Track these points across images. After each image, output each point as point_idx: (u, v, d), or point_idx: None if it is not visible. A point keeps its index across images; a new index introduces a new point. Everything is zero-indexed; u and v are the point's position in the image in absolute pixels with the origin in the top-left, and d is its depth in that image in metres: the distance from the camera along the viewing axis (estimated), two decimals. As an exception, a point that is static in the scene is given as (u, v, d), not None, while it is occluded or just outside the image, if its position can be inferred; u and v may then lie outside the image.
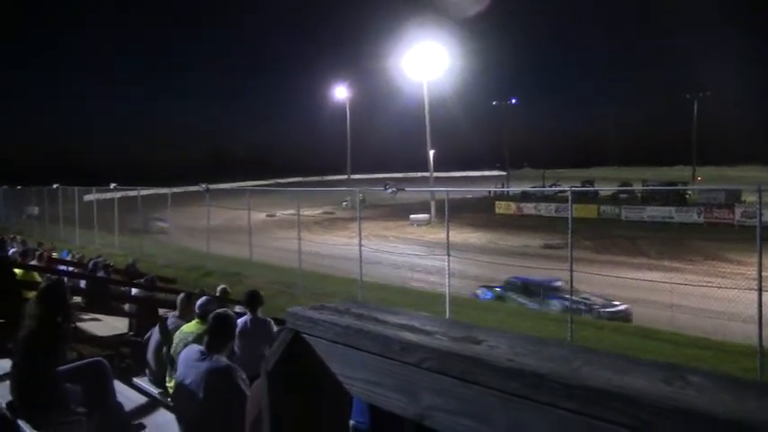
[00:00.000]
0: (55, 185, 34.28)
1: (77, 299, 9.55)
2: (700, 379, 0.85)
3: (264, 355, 5.32)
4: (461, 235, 32.23)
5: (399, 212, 45.36)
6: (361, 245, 16.37)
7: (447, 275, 13.99)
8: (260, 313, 7.00)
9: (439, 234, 30.70)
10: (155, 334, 6.45)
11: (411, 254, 25.02)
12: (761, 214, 10.31)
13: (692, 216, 39.02)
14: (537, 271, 16.64)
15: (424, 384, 1.06)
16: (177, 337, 5.74)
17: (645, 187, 49.56)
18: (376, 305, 1.37)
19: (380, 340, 1.12)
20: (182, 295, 7.06)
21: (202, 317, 5.81)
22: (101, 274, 11.90)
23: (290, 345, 1.30)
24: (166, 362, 5.93)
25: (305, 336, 1.28)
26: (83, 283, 10.99)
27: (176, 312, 6.75)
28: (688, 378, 0.85)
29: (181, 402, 4.34)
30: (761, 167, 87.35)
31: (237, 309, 8.52)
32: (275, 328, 6.68)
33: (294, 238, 19.71)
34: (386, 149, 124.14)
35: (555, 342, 1.10)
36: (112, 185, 29.82)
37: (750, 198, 37.29)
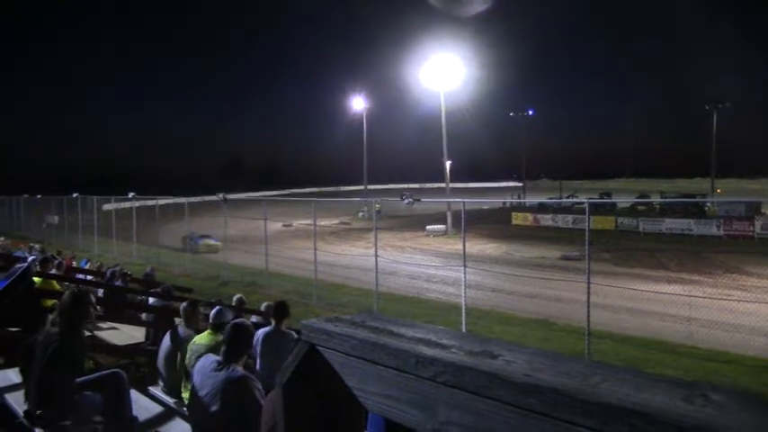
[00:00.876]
0: (74, 195, 34.67)
1: (97, 308, 9.61)
2: (720, 397, 0.84)
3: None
4: (478, 246, 32.13)
5: (416, 223, 45.33)
6: (377, 255, 16.35)
7: (463, 286, 13.93)
8: (284, 325, 6.94)
9: (455, 245, 30.59)
10: (165, 343, 6.45)
11: (427, 264, 24.94)
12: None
13: (712, 228, 38.61)
14: (556, 283, 16.53)
15: (439, 399, 1.05)
16: (190, 348, 5.73)
17: (664, 199, 49.14)
18: (391, 317, 1.36)
19: (397, 354, 1.11)
20: (184, 304, 6.97)
21: (215, 327, 5.79)
22: (118, 282, 11.97)
23: (305, 357, 1.30)
24: (180, 372, 5.94)
25: (320, 348, 1.28)
26: (100, 292, 11.07)
27: (182, 321, 6.72)
28: (709, 396, 0.84)
29: (196, 412, 4.34)
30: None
31: (254, 319, 8.55)
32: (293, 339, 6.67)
33: (310, 249, 19.74)
34: (402, 160, 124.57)
35: (572, 357, 1.09)
36: (131, 195, 30.06)
37: (770, 210, 36.90)
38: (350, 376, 1.22)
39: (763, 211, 38.55)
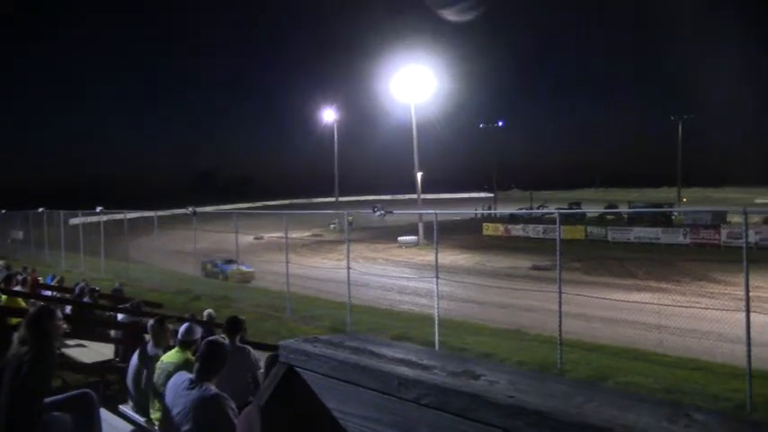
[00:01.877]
0: (40, 209, 34.01)
1: (64, 324, 9.40)
2: (704, 417, 0.84)
3: (246, 384, 5.24)
4: (450, 257, 32.22)
5: (387, 235, 45.35)
6: (349, 267, 16.29)
7: (436, 298, 13.93)
8: (238, 341, 6.81)
9: (427, 256, 30.66)
10: (133, 361, 6.31)
11: (400, 276, 24.94)
12: (747, 236, 10.38)
13: (679, 237, 39.29)
14: (528, 293, 16.64)
15: (422, 421, 1.04)
16: (158, 367, 5.60)
17: (631, 209, 49.91)
18: (370, 336, 1.35)
19: (378, 376, 1.10)
20: (152, 321, 6.79)
21: (184, 345, 5.68)
22: (86, 299, 11.75)
23: (283, 379, 1.27)
24: (148, 390, 5.81)
25: (299, 370, 1.26)
26: (68, 309, 10.85)
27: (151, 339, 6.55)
28: (692, 416, 0.84)
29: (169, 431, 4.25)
30: (743, 189, 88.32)
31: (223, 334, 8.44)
32: (254, 355, 6.57)
33: (282, 261, 19.59)
34: (374, 172, 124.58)
35: (554, 377, 1.09)
36: (98, 209, 29.56)
37: (735, 219, 37.64)
38: (329, 398, 1.20)
39: (728, 219, 39.32)
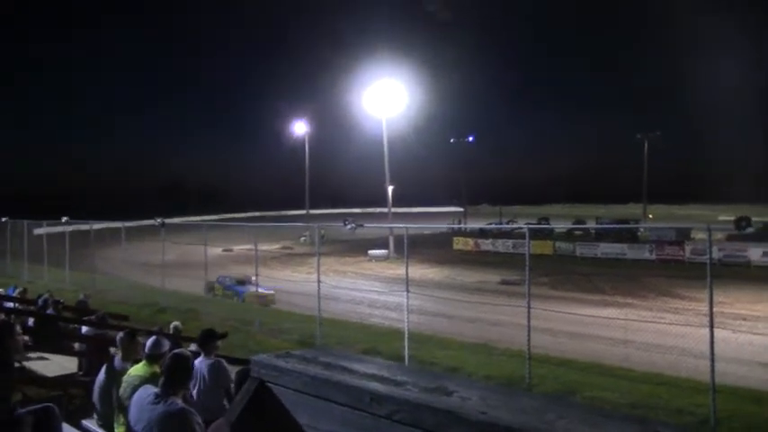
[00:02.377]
0: (3, 219, 33.29)
1: (24, 337, 9.19)
2: (672, 432, 0.86)
3: (218, 398, 5.19)
4: (420, 271, 32.26)
5: (357, 248, 45.29)
6: (319, 281, 16.22)
7: (406, 312, 13.93)
8: (213, 354, 6.73)
9: (397, 270, 30.67)
10: (100, 375, 6.19)
11: (370, 290, 24.90)
12: (711, 253, 10.58)
13: (644, 253, 39.93)
14: (496, 308, 16.73)
15: (394, 437, 1.04)
16: (125, 380, 5.50)
17: (599, 225, 50.58)
18: (342, 351, 1.35)
19: (350, 391, 1.10)
20: (121, 334, 6.65)
21: (151, 358, 5.58)
22: (50, 311, 11.50)
23: (254, 395, 1.26)
24: (114, 405, 5.70)
25: (271, 385, 1.25)
26: (30, 321, 10.61)
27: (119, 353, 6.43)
28: (661, 432, 0.86)
29: (133, 447, 4.17)
30: (706, 206, 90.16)
31: (193, 347, 8.33)
32: (228, 369, 6.50)
33: (251, 274, 19.44)
34: (345, 185, 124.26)
35: (525, 393, 1.10)
36: (64, 219, 29.06)
37: (699, 235, 38.37)
38: (301, 414, 1.19)
39: (692, 236, 40.07)
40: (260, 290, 21.96)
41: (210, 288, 25.10)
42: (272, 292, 23.56)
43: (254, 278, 20.68)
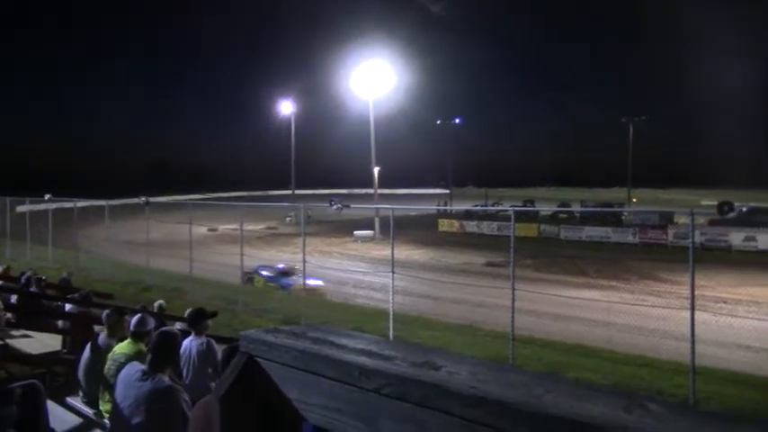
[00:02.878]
0: (-16, 195, 32.90)
1: (8, 315, 9.14)
2: (658, 407, 0.87)
3: (208, 378, 5.19)
4: (405, 252, 32.34)
5: (343, 229, 45.31)
6: (305, 261, 16.24)
7: (391, 292, 13.99)
8: (203, 333, 6.72)
9: (383, 251, 30.73)
10: (85, 353, 6.18)
11: (355, 270, 24.97)
12: (693, 237, 10.70)
13: (628, 236, 40.25)
14: (481, 289, 16.81)
15: (383, 411, 1.04)
16: (110, 358, 5.50)
17: (584, 208, 50.89)
18: (331, 327, 1.35)
19: (339, 366, 1.10)
20: (108, 311, 6.64)
21: (136, 336, 5.58)
22: (33, 288, 11.42)
23: (243, 369, 1.26)
24: (99, 382, 5.70)
25: (259, 360, 1.25)
26: (13, 298, 10.54)
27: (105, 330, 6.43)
28: (647, 406, 0.87)
29: (119, 424, 4.18)
30: (690, 191, 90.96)
31: (179, 326, 8.31)
32: (217, 348, 6.50)
33: (236, 254, 19.41)
34: (331, 165, 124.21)
35: (514, 368, 1.11)
36: (47, 197, 28.77)
37: (682, 220, 38.74)
38: (290, 388, 1.19)
39: (675, 220, 40.43)
40: (308, 283, 19.72)
41: (249, 279, 22.66)
42: (320, 284, 21.42)
43: (297, 267, 19.50)
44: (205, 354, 6.41)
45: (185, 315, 7.60)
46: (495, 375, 0.99)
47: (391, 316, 13.74)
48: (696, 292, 10.15)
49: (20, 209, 32.19)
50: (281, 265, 23.62)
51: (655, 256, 32.37)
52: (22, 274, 12.93)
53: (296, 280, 20.65)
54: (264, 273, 23.56)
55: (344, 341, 1.21)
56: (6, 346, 8.51)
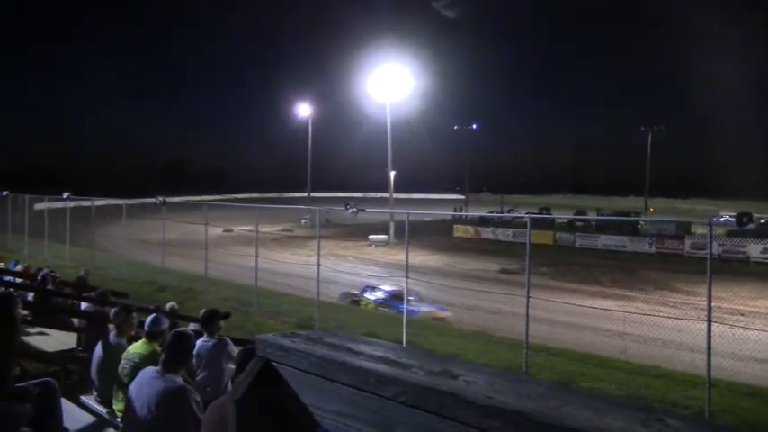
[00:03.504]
0: (4, 193, 33.29)
1: (24, 312, 9.23)
2: (676, 422, 0.86)
3: (221, 378, 5.20)
4: (419, 257, 32.33)
5: (358, 232, 45.35)
6: (319, 264, 16.27)
7: (405, 297, 13.99)
8: (216, 334, 6.75)
9: (397, 255, 30.75)
10: (97, 351, 6.22)
11: (369, 274, 24.98)
12: (711, 247, 10.59)
13: (644, 246, 39.97)
14: (495, 296, 16.77)
15: (399, 419, 1.05)
16: (124, 357, 5.53)
17: (600, 216, 50.61)
18: (346, 333, 1.36)
19: (356, 372, 1.11)
20: (115, 309, 6.68)
21: (151, 336, 5.61)
22: (50, 286, 11.53)
23: (260, 373, 1.27)
24: (112, 381, 5.74)
25: (276, 364, 1.26)
26: (30, 296, 10.64)
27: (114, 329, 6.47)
28: (665, 420, 0.86)
29: (131, 423, 4.21)
30: (709, 201, 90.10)
31: (192, 326, 8.36)
32: (233, 349, 6.52)
33: (251, 255, 19.49)
34: (347, 169, 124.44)
35: (530, 378, 1.11)
36: (65, 195, 29.02)
37: (699, 230, 38.39)
38: (306, 393, 1.20)
39: (692, 230, 40.08)
40: (435, 310, 18.92)
41: (354, 301, 21.34)
42: (447, 312, 19.41)
43: (412, 295, 17.22)
44: (217, 354, 6.43)
45: (198, 316, 7.63)
46: (512, 386, 0.99)
47: (404, 321, 13.73)
48: (713, 304, 10.04)
49: (38, 206, 32.53)
50: (388, 288, 21.42)
51: (671, 266, 32.10)
52: (39, 270, 13.08)
53: (418, 306, 18.10)
54: (373, 296, 21.50)
55: (362, 348, 1.21)
56: (22, 342, 8.59)
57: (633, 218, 48.55)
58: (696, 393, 10.09)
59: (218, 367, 6.38)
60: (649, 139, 70.71)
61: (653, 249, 39.27)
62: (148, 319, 5.93)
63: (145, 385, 4.16)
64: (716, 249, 29.11)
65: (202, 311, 7.34)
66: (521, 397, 0.94)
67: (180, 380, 4.16)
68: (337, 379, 1.15)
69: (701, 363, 9.96)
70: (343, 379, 1.14)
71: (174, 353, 4.27)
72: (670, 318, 14.22)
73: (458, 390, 0.98)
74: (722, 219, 39.71)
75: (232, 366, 6.17)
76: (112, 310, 6.74)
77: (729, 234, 38.01)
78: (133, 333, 6.48)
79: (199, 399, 4.17)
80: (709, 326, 9.75)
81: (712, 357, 9.70)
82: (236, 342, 7.04)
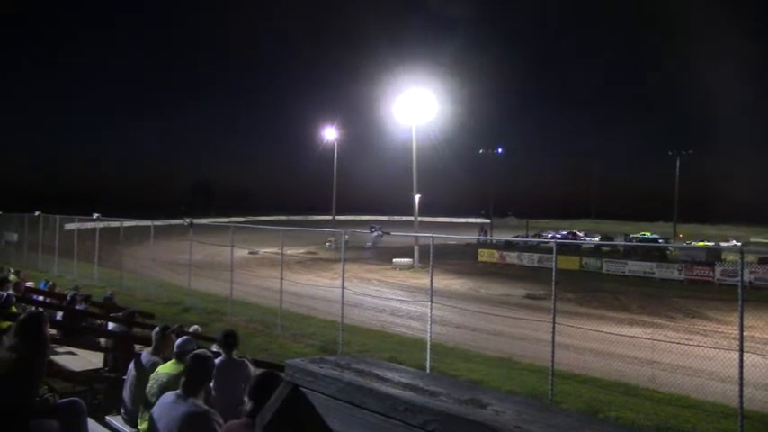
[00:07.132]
0: (36, 213, 33.95)
1: (53, 331, 9.35)
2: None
3: (239, 398, 5.20)
4: (444, 281, 32.14)
5: (382, 255, 45.31)
6: (343, 287, 16.26)
7: (429, 322, 13.90)
8: (235, 354, 6.78)
9: (421, 279, 30.63)
10: (130, 370, 6.30)
11: (393, 298, 24.89)
12: (742, 275, 10.40)
13: (673, 272, 39.31)
14: (520, 322, 16.59)
15: (427, 447, 1.04)
16: (153, 378, 5.59)
17: (629, 243, 49.97)
18: (373, 359, 1.35)
19: (384, 399, 1.10)
20: (157, 329, 6.79)
21: (180, 357, 5.66)
22: (79, 306, 11.68)
23: (288, 398, 1.27)
24: (139, 401, 5.78)
25: (304, 390, 1.26)
26: (59, 315, 10.79)
27: (150, 348, 6.56)
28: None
29: (155, 445, 4.23)
30: (740, 227, 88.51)
31: (214, 348, 8.39)
32: (252, 370, 6.53)
33: (275, 277, 19.56)
34: (372, 192, 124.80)
35: (558, 409, 1.10)
36: (95, 216, 29.54)
37: (730, 257, 37.70)
38: (334, 419, 1.20)
39: (723, 257, 39.38)
40: None
41: None
42: None
43: None
44: (233, 374, 6.45)
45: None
46: (540, 416, 0.98)
47: (428, 346, 13.63)
48: (744, 333, 9.83)
49: (68, 227, 33.10)
50: None
51: (700, 293, 31.49)
52: (69, 290, 13.25)
53: None
54: None
55: (389, 374, 1.21)
56: (51, 361, 8.68)
57: (661, 244, 47.91)
58: (728, 425, 9.86)
59: (232, 387, 6.39)
60: (678, 164, 69.96)
61: (682, 276, 38.59)
62: (178, 341, 6.00)
63: (167, 408, 4.18)
64: (747, 277, 28.58)
65: (219, 332, 7.41)
66: (549, 427, 0.93)
67: (202, 403, 4.18)
68: (365, 405, 1.15)
69: (732, 393, 9.74)
70: (371, 405, 1.14)
71: (195, 375, 4.29)
72: (700, 346, 13.94)
73: (487, 419, 0.98)
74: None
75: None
76: (154, 330, 6.85)
77: (761, 261, 37.31)
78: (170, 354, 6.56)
79: (222, 421, 4.17)
80: (741, 355, 9.55)
81: (744, 388, 9.48)
82: (260, 365, 7.06)
